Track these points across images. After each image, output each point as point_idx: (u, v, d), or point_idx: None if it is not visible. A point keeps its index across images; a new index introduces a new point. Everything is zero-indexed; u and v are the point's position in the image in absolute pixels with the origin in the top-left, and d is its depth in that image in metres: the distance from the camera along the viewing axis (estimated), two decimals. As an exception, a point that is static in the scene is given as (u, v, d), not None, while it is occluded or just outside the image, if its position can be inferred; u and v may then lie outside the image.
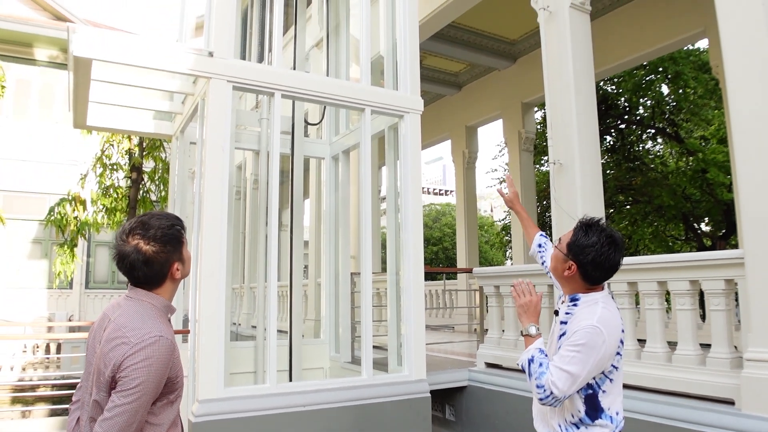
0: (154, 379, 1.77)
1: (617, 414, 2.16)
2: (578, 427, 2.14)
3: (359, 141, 5.42)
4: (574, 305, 2.23)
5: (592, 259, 2.16)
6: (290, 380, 5.49)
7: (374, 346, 5.14)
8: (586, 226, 2.23)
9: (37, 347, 13.27)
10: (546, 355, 2.15)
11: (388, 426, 4.72)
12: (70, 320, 14.97)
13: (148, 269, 1.90)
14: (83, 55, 4.15)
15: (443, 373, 5.78)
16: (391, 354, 5.42)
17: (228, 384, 4.36)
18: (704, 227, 15.78)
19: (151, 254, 1.89)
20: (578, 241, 2.20)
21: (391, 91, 5.45)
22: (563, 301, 2.33)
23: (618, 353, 2.15)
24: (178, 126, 6.25)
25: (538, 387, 2.08)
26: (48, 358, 12.96)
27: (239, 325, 10.11)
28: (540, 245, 2.77)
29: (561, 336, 2.20)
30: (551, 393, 2.04)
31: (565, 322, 2.21)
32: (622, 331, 2.19)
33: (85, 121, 6.07)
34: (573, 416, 2.16)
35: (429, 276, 12.55)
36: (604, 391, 2.14)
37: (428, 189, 59.43)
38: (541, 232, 2.83)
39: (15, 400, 9.57)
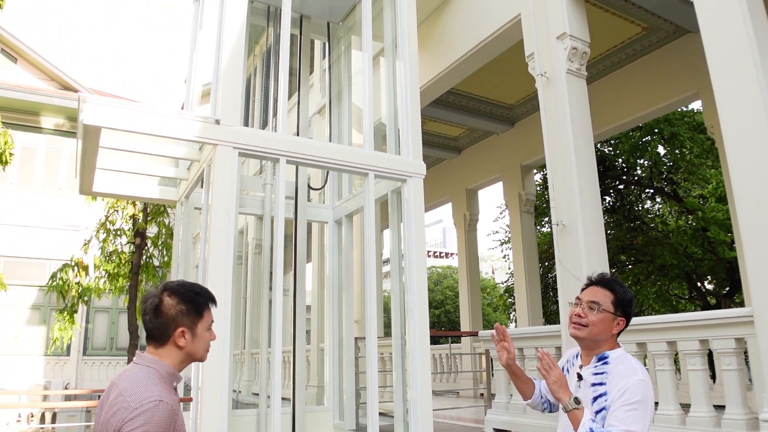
0: None
1: None
2: None
3: (362, 205, 5.47)
4: (605, 364, 2.20)
5: (632, 310, 2.26)
6: (294, 449, 5.34)
7: (379, 413, 5.03)
8: (615, 281, 2.30)
9: (32, 416, 12.96)
10: (600, 424, 2.07)
11: (395, 497, 4.56)
12: (66, 388, 14.67)
13: (156, 319, 1.90)
14: (93, 123, 4.24)
15: (451, 440, 5.63)
16: (398, 421, 5.29)
17: (231, 454, 4.24)
18: (708, 285, 15.70)
19: (164, 304, 1.90)
20: (625, 296, 2.25)
21: (393, 155, 5.54)
22: (582, 365, 2.28)
23: None
24: (183, 192, 6.32)
25: None
26: (42, 428, 12.63)
27: (240, 392, 9.92)
28: (542, 389, 2.62)
29: (598, 397, 2.16)
30: None
31: (601, 383, 2.16)
32: None
33: (91, 188, 6.14)
34: None
35: (432, 340, 12.36)
36: None
37: (429, 252, 59.39)
38: (535, 378, 2.70)
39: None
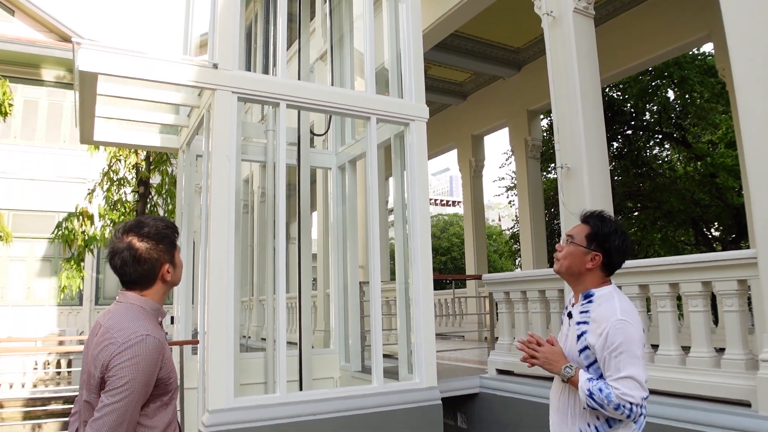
0: (142, 378, 1.77)
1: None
2: (610, 426, 2.09)
3: (365, 150, 5.43)
4: (589, 302, 2.20)
5: (617, 246, 2.20)
6: (300, 390, 5.46)
7: (384, 355, 5.11)
8: (600, 217, 2.26)
9: (48, 363, 13.32)
10: (596, 378, 2.08)
11: (399, 435, 4.68)
12: (80, 335, 14.99)
13: (139, 267, 1.92)
14: (88, 69, 4.18)
15: (454, 380, 5.73)
16: (402, 362, 5.38)
17: (238, 394, 4.34)
18: (714, 232, 15.67)
19: (142, 251, 1.91)
20: (600, 230, 2.22)
21: (396, 99, 5.46)
22: (574, 303, 2.29)
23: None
24: (184, 139, 6.28)
25: (616, 410, 1.99)
26: (59, 374, 12.99)
27: (249, 338, 10.10)
28: None
29: (581, 335, 2.17)
30: (630, 405, 1.98)
31: (584, 322, 2.17)
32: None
33: (91, 137, 6.11)
34: (599, 417, 2.11)
35: (438, 284, 12.50)
36: None
37: (435, 200, 59.40)
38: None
39: (27, 416, 9.58)
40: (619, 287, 2.30)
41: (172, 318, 6.06)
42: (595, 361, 2.11)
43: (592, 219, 2.26)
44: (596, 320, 2.12)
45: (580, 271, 2.24)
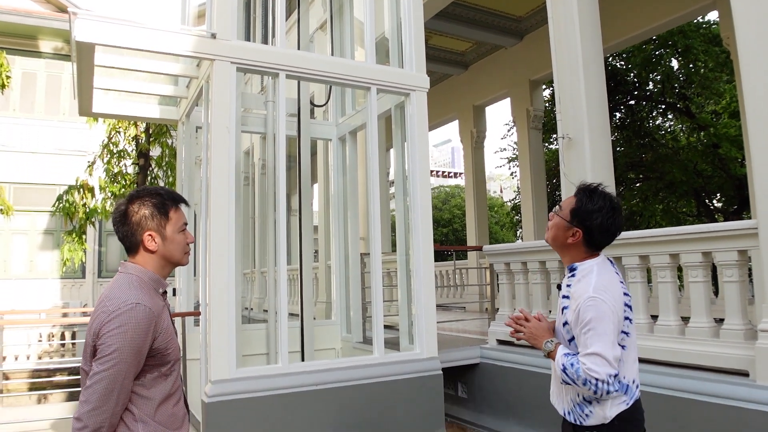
0: (130, 346, 1.77)
1: (633, 382, 2.12)
2: (590, 402, 2.10)
3: (366, 121, 5.39)
4: (572, 276, 2.19)
5: (599, 224, 2.13)
6: (302, 361, 5.51)
7: (385, 326, 5.14)
8: (589, 191, 2.18)
9: (53, 336, 13.44)
10: (573, 354, 2.08)
11: (400, 403, 4.73)
12: (84, 308, 15.11)
13: (123, 227, 1.93)
14: (85, 39, 4.13)
15: (455, 351, 5.78)
16: (403, 333, 5.42)
17: (241, 365, 4.38)
18: (716, 203, 15.63)
19: (128, 212, 1.92)
20: (584, 206, 2.15)
21: (396, 69, 5.40)
22: (565, 275, 2.29)
23: (627, 318, 2.10)
24: (183, 110, 6.24)
25: (584, 385, 2.00)
26: (63, 346, 13.12)
27: (251, 309, 10.18)
28: None
29: (564, 310, 2.17)
30: (595, 381, 1.97)
31: (566, 296, 2.17)
32: (626, 294, 2.14)
33: (90, 109, 6.06)
34: None
35: (439, 256, 12.54)
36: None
37: (437, 172, 59.19)
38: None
39: (32, 387, 9.70)
40: (611, 260, 2.26)
41: (174, 290, 6.10)
42: (574, 337, 2.12)
43: (580, 193, 2.20)
44: (573, 296, 2.12)
45: (563, 244, 2.22)
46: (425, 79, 5.32)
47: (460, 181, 44.54)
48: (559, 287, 2.28)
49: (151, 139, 11.09)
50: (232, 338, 4.20)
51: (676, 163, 13.53)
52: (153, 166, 11.45)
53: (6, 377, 10.25)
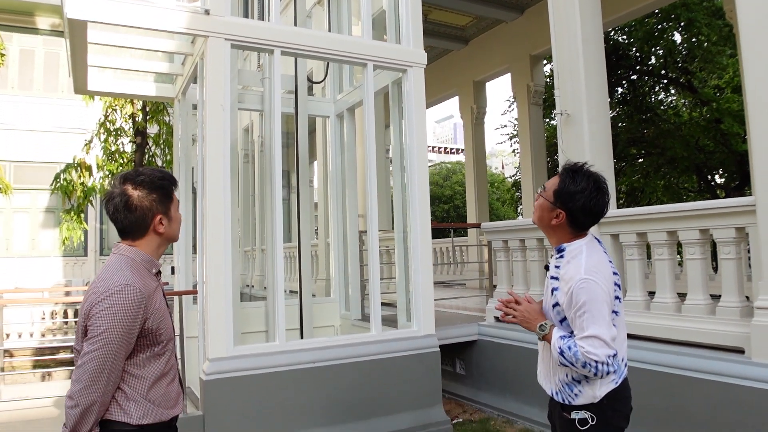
0: (120, 327, 1.79)
1: (622, 360, 2.13)
2: (579, 382, 2.10)
3: (363, 98, 5.34)
4: (561, 257, 2.17)
5: (582, 206, 2.09)
6: (301, 338, 5.54)
7: (384, 303, 5.16)
8: (572, 172, 2.15)
9: (55, 313, 13.53)
10: (568, 336, 2.07)
11: (398, 380, 4.77)
12: (86, 286, 15.19)
13: (130, 215, 1.91)
14: (77, 17, 4.07)
15: (453, 328, 5.80)
16: (400, 310, 5.44)
17: (239, 343, 4.40)
18: (718, 179, 15.56)
19: (134, 199, 1.90)
20: (566, 188, 2.12)
21: (392, 45, 5.34)
22: (553, 255, 2.28)
23: (616, 297, 2.10)
24: (179, 88, 6.19)
25: (583, 368, 1.99)
26: (66, 323, 13.22)
27: (253, 287, 10.22)
28: None
29: (553, 291, 2.16)
30: (595, 363, 1.96)
31: (555, 278, 2.15)
32: (615, 273, 2.13)
33: (86, 87, 6.01)
34: None
35: (439, 233, 12.51)
36: None
37: (439, 148, 58.98)
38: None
39: (36, 364, 9.80)
40: (598, 239, 2.23)
41: (173, 268, 6.11)
42: (565, 318, 2.11)
43: (564, 173, 2.17)
44: (564, 278, 2.11)
45: (548, 225, 2.20)
46: (422, 54, 5.26)
47: (462, 157, 44.38)
48: (546, 268, 2.27)
49: (148, 117, 11.02)
50: (229, 317, 4.22)
51: (678, 138, 13.43)
52: (150, 144, 11.39)
53: (10, 355, 10.35)
